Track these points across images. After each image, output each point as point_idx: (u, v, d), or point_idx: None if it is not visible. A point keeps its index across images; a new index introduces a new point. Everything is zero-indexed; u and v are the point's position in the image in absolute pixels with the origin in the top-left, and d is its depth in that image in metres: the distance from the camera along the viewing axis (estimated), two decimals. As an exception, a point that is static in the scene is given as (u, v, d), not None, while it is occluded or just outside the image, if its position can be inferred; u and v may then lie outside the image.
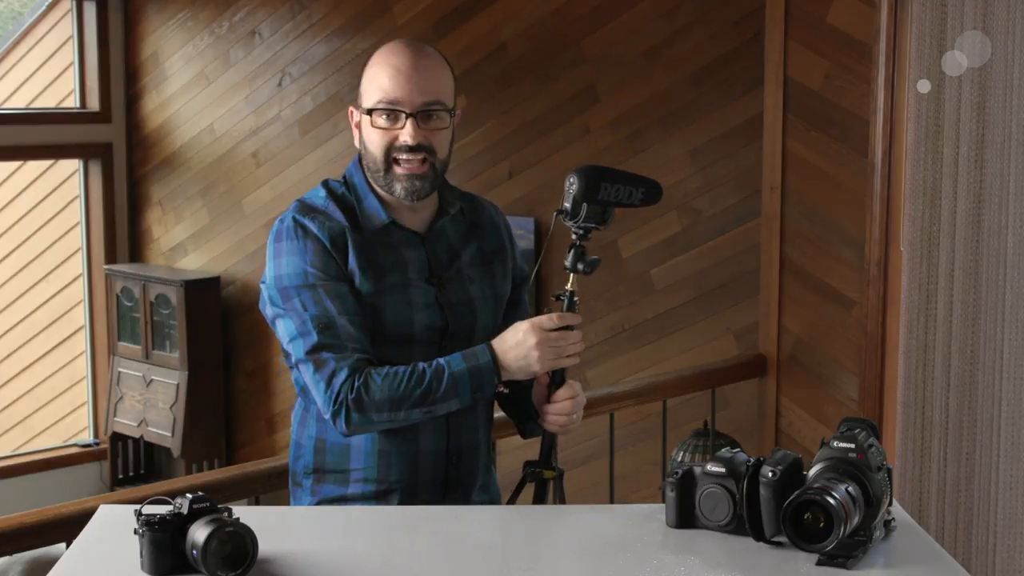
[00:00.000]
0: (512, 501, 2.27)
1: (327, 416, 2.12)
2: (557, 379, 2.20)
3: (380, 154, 2.18)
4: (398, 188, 2.18)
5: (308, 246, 2.15)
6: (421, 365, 2.10)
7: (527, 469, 2.26)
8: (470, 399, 2.12)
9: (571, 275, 2.19)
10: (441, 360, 2.11)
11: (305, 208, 2.20)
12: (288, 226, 2.18)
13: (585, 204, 2.13)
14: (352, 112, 2.25)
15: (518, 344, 2.11)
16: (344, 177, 2.27)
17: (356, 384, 2.08)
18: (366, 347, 2.12)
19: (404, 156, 2.16)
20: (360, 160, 2.26)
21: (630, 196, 2.16)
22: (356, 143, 2.25)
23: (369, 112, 2.17)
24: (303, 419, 2.27)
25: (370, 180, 2.23)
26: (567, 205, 2.15)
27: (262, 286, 2.23)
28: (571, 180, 2.14)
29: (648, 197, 2.18)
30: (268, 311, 2.21)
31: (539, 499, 2.27)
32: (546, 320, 2.12)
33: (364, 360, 2.11)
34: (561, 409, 2.19)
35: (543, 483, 2.26)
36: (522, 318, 2.35)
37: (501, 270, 2.34)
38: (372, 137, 2.18)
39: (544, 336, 2.11)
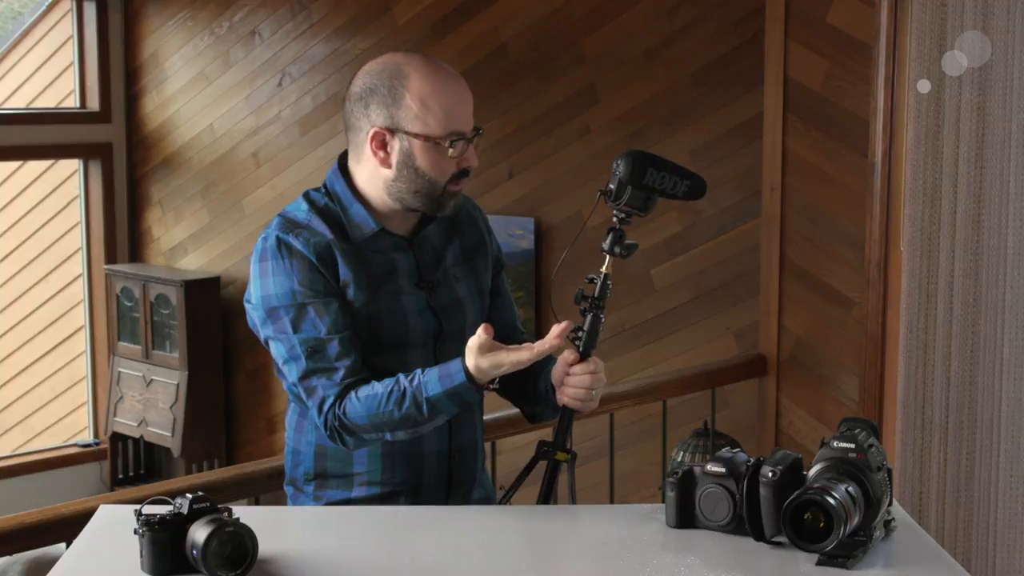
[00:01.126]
0: (522, 479, 2.26)
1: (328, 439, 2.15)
2: (584, 354, 2.18)
3: (443, 180, 2.16)
4: (450, 205, 2.19)
5: (294, 264, 2.12)
6: (403, 384, 2.08)
7: (541, 448, 2.25)
8: (456, 411, 2.11)
9: (607, 258, 2.18)
10: (420, 377, 2.08)
11: (288, 224, 2.16)
12: (271, 245, 2.14)
13: (629, 187, 2.15)
14: (379, 134, 2.15)
15: (490, 359, 2.06)
16: (324, 187, 2.23)
17: (337, 412, 2.09)
18: (356, 365, 2.11)
19: (459, 179, 2.18)
20: (339, 166, 2.23)
21: (675, 186, 2.17)
22: (384, 164, 2.16)
23: (444, 140, 2.14)
24: (299, 425, 2.26)
25: (378, 194, 2.19)
26: (611, 186, 2.16)
27: (247, 306, 2.21)
28: (618, 162, 2.15)
29: (692, 191, 2.19)
30: (260, 333, 2.20)
31: (550, 481, 2.26)
32: (526, 358, 2.06)
33: (352, 382, 2.10)
34: (580, 383, 2.16)
35: (555, 464, 2.25)
36: (505, 306, 2.36)
37: (483, 264, 2.34)
38: (435, 163, 2.15)
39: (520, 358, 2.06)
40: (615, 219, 2.18)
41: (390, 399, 2.07)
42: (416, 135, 2.13)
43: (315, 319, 2.11)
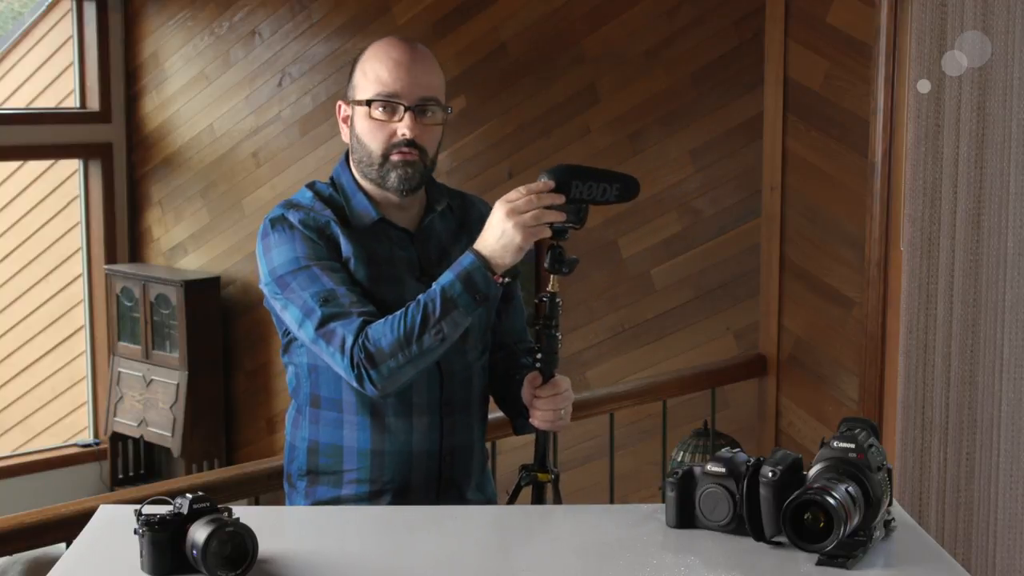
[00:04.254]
0: (511, 502, 2.26)
1: (354, 385, 2.11)
2: (546, 374, 2.19)
3: (377, 147, 2.18)
4: (393, 178, 2.19)
5: (296, 235, 2.16)
6: (418, 297, 2.09)
7: (522, 472, 2.25)
8: (473, 303, 2.07)
9: (552, 277, 2.17)
10: (434, 283, 2.10)
11: (290, 204, 2.22)
12: (271, 221, 2.20)
13: None
14: (341, 106, 2.26)
15: (494, 227, 2.05)
16: (331, 179, 2.27)
17: (361, 341, 2.07)
18: (371, 308, 2.12)
19: (400, 149, 2.17)
20: (347, 158, 2.26)
21: (604, 193, 2.13)
22: (345, 138, 2.26)
23: (368, 103, 2.17)
24: (296, 421, 2.28)
25: (358, 176, 2.24)
26: None
27: (262, 287, 2.23)
28: (541, 179, 2.12)
29: (624, 193, 2.15)
30: (275, 306, 2.20)
31: (537, 503, 2.26)
32: (512, 193, 2.06)
33: (368, 321, 2.10)
34: (546, 405, 2.18)
35: (540, 486, 2.25)
36: (515, 314, 2.35)
37: None
38: (368, 129, 2.18)
39: (513, 205, 2.04)
40: (551, 237, 2.14)
41: (408, 310, 2.07)
42: (354, 102, 2.21)
43: (322, 275, 2.13)
